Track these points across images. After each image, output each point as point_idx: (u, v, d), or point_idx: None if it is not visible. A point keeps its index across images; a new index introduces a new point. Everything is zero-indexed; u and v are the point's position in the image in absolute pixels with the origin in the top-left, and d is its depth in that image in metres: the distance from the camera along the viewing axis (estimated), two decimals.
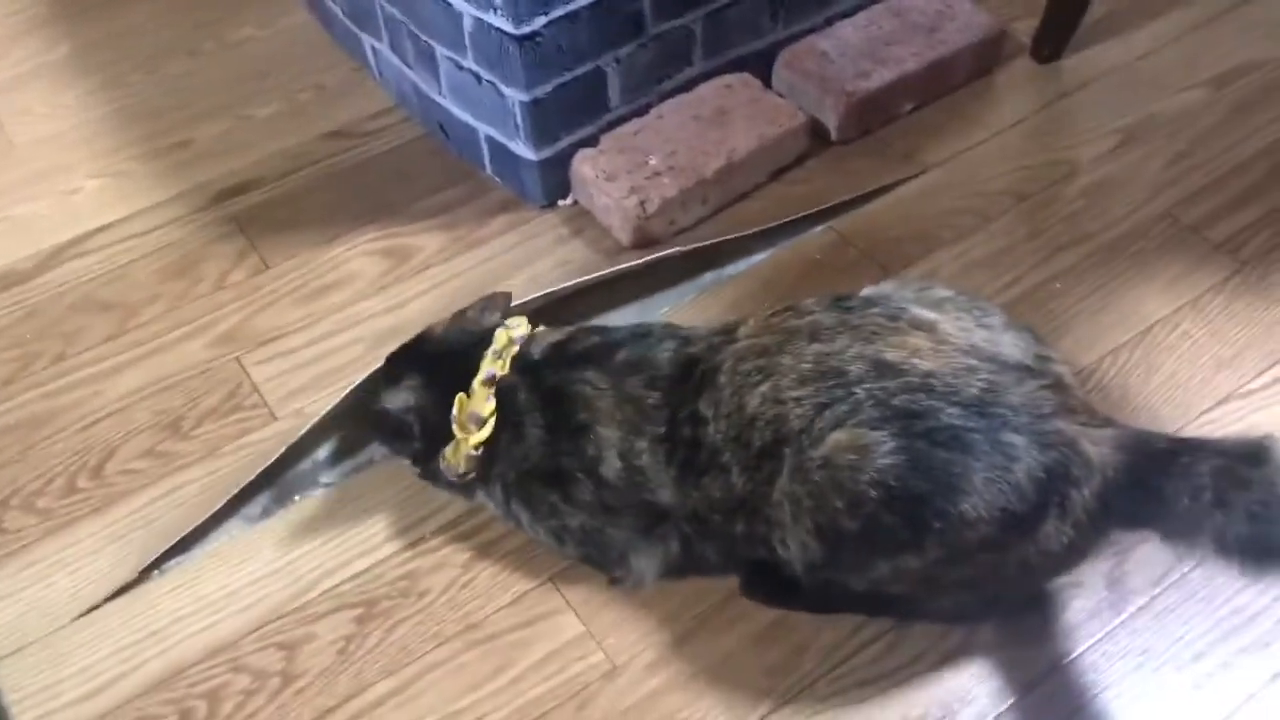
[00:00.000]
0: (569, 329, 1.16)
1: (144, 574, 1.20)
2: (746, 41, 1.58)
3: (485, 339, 1.14)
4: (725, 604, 1.14)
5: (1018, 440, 0.91)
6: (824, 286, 1.18)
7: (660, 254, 1.43)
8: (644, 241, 1.46)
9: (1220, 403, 1.27)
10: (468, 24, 1.38)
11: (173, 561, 1.21)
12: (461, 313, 1.21)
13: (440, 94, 1.55)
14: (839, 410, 0.94)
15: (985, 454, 0.90)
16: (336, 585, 1.18)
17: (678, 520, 1.07)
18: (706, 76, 1.57)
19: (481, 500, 1.18)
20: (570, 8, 1.35)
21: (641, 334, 1.12)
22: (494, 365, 1.11)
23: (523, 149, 1.47)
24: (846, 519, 0.93)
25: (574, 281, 1.40)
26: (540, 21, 1.33)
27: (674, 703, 1.09)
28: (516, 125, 1.45)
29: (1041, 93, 1.64)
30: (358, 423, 1.26)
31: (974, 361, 0.95)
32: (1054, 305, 1.37)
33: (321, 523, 1.23)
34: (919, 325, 0.99)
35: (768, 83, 1.59)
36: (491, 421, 1.10)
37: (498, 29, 1.34)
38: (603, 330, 1.15)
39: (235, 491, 1.24)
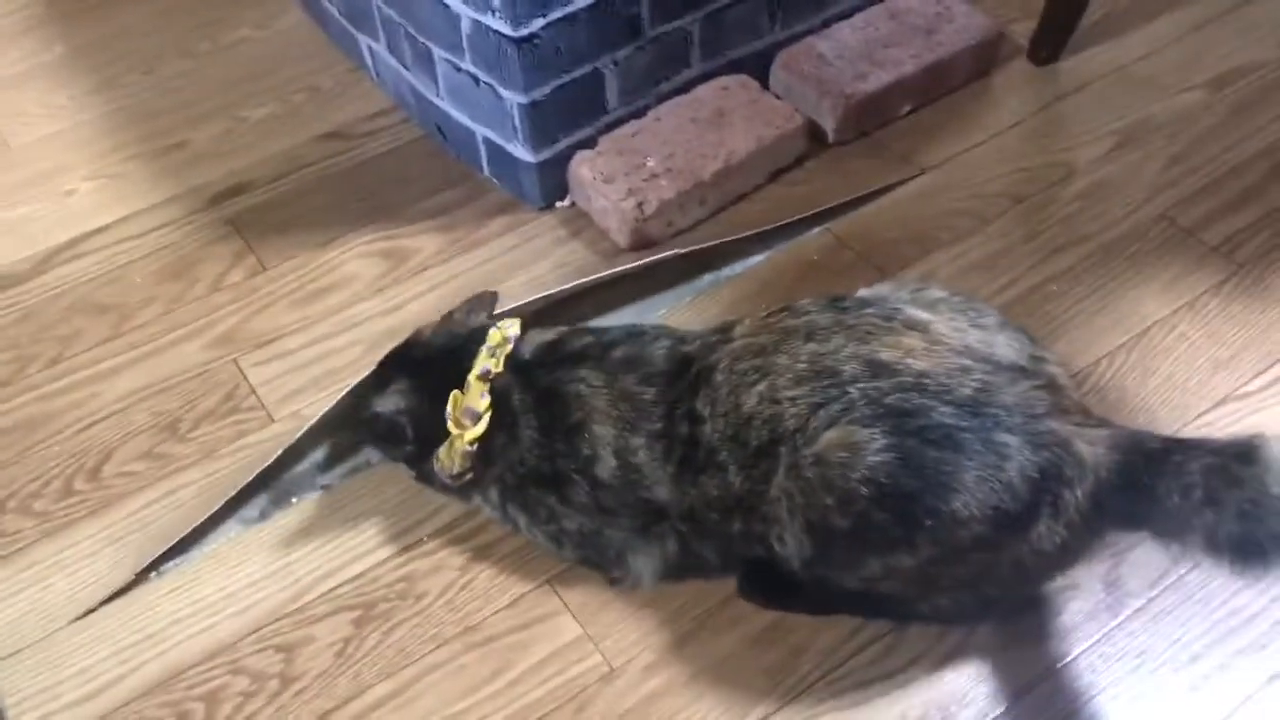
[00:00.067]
0: (561, 329, 1.16)
1: (142, 576, 1.20)
2: (744, 43, 1.58)
3: (473, 338, 1.14)
4: (723, 606, 1.14)
5: (1010, 440, 0.91)
6: (821, 288, 1.18)
7: (658, 256, 1.43)
8: (642, 243, 1.46)
9: (1217, 404, 1.27)
10: (465, 26, 1.38)
11: (170, 564, 1.21)
12: (449, 314, 1.21)
13: (438, 95, 1.55)
14: (833, 409, 0.95)
15: (977, 453, 0.91)
16: (334, 587, 1.18)
17: (674, 519, 1.07)
18: (704, 78, 1.57)
19: (478, 504, 1.18)
20: (568, 10, 1.35)
21: (636, 333, 1.12)
22: (489, 361, 1.11)
23: (521, 151, 1.47)
24: (837, 516, 0.94)
25: (572, 284, 1.40)
26: (538, 23, 1.33)
27: (672, 705, 1.09)
28: (514, 127, 1.44)
29: (1039, 95, 1.64)
30: (351, 428, 1.26)
31: (968, 362, 0.96)
32: (1051, 307, 1.37)
33: (319, 525, 1.23)
34: (913, 326, 0.99)
35: (765, 85, 1.59)
36: (487, 417, 1.09)
37: (496, 31, 1.34)
38: (595, 330, 1.15)
39: (233, 494, 1.24)
